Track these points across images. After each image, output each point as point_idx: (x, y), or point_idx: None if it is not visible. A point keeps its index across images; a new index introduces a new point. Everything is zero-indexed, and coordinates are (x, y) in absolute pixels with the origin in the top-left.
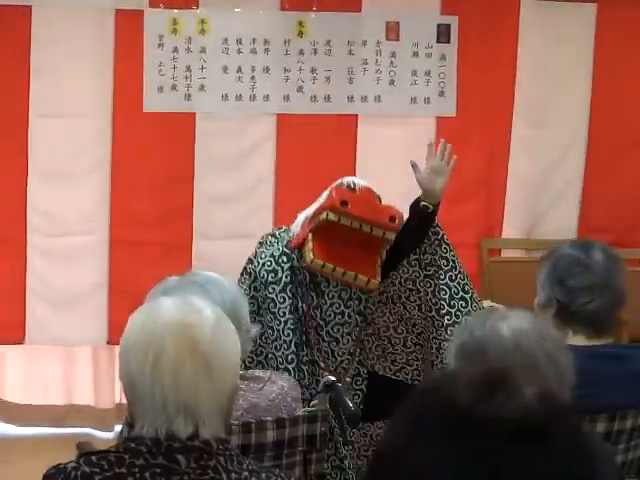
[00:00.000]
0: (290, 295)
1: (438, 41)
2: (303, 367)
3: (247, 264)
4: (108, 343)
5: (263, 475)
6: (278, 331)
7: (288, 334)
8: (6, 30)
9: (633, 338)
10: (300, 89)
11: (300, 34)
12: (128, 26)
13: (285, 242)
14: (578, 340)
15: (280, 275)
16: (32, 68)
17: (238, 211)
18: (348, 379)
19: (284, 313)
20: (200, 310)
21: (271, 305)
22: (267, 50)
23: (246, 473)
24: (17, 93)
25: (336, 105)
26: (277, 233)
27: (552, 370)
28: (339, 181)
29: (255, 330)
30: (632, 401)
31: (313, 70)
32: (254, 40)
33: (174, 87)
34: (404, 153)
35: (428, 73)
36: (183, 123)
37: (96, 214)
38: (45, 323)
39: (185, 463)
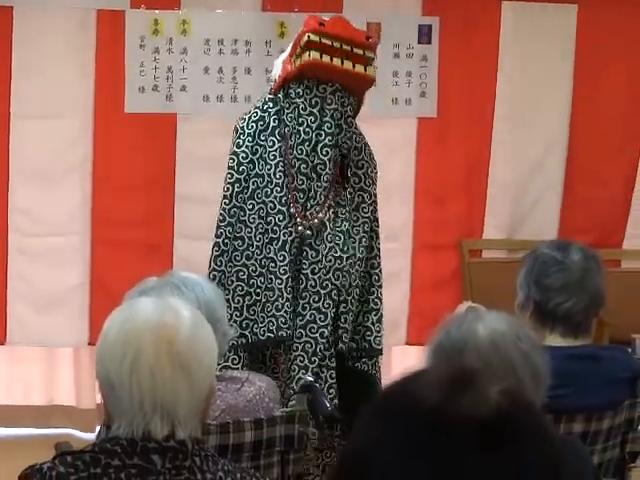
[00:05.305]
0: (279, 138)
1: (419, 42)
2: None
3: (231, 155)
4: (89, 344)
5: (238, 475)
6: (269, 176)
7: (280, 176)
8: None
9: (614, 339)
10: None
11: (281, 35)
12: (109, 26)
13: (269, 90)
14: (555, 340)
15: (267, 120)
16: (13, 68)
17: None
18: (317, 220)
19: (274, 156)
20: (178, 311)
21: (262, 152)
22: (248, 51)
23: (221, 473)
24: None
25: None
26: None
27: (528, 370)
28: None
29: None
30: (609, 402)
31: None
32: (235, 41)
33: (155, 88)
34: (385, 154)
35: (409, 74)
36: (164, 124)
37: (77, 214)
38: (26, 324)
39: (160, 463)
